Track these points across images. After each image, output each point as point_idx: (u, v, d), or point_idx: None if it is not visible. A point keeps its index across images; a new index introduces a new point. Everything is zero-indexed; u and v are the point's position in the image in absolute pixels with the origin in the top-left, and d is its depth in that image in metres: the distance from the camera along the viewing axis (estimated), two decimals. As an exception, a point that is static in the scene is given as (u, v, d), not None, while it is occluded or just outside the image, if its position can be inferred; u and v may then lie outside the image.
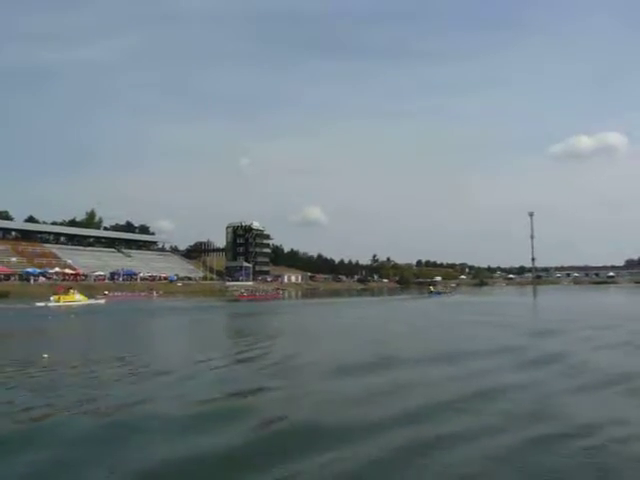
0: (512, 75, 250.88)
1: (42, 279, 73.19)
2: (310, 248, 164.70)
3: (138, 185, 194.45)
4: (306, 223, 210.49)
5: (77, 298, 47.13)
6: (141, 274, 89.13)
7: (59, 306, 42.70)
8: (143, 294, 69.45)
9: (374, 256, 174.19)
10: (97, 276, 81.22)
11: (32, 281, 69.23)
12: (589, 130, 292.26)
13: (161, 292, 74.42)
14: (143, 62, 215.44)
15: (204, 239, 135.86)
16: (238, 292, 70.94)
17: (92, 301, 49.82)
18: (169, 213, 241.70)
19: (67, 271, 78.84)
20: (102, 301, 51.93)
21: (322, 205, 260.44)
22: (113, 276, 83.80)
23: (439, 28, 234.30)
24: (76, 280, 75.87)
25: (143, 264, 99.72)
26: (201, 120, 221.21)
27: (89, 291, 69.20)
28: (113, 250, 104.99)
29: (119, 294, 64.58)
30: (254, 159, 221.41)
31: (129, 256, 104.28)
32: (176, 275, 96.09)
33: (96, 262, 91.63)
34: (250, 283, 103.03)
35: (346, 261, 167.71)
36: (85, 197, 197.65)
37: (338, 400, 9.89)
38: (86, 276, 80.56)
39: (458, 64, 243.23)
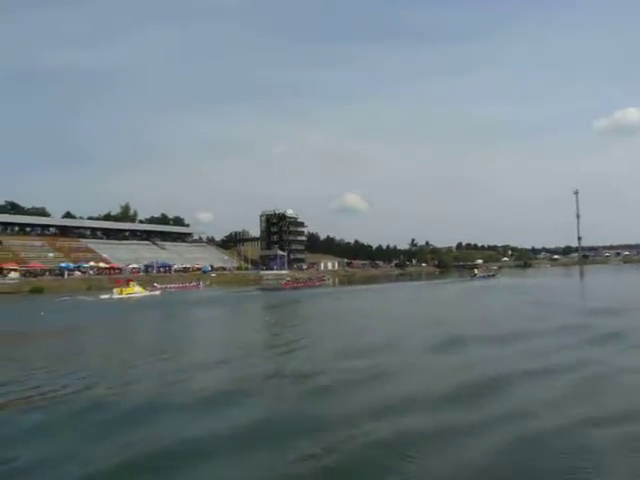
0: (549, 48, 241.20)
1: (77, 273, 73.81)
2: (349, 235, 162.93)
3: (174, 177, 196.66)
4: (345, 210, 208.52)
5: (136, 290, 50.04)
6: (175, 266, 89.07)
7: (121, 298, 45.69)
8: (192, 284, 70.63)
9: (412, 240, 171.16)
10: (131, 269, 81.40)
11: (66, 275, 69.75)
12: (636, 102, 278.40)
13: (208, 283, 75.23)
14: (172, 56, 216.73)
15: (240, 229, 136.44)
16: (283, 280, 72.09)
17: (149, 293, 52.37)
18: (209, 205, 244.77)
19: (101, 265, 79.27)
20: (158, 292, 54.43)
21: (360, 191, 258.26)
22: (147, 268, 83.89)
23: (477, 2, 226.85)
24: (110, 273, 76.38)
25: (177, 256, 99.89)
26: (234, 113, 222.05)
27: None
28: (148, 243, 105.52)
29: (170, 285, 65.86)
30: (290, 147, 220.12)
31: (164, 248, 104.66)
32: (211, 266, 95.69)
33: (131, 255, 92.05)
34: (285, 272, 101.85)
35: (384, 246, 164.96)
36: (121, 191, 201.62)
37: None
38: (121, 269, 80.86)
39: (493, 39, 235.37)
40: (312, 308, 34.98)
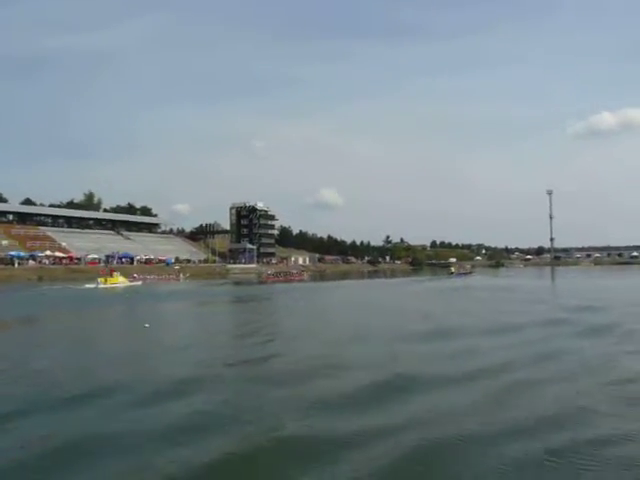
0: (527, 51, 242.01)
1: (31, 262, 70.49)
2: (326, 231, 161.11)
3: (151, 169, 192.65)
4: (320, 205, 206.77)
5: (120, 280, 51.56)
6: (138, 257, 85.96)
7: (106, 287, 46.48)
8: (171, 277, 70.60)
9: (387, 237, 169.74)
10: (91, 259, 78.33)
11: (16, 265, 66.29)
12: (611, 106, 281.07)
13: (188, 275, 74.72)
14: (151, 48, 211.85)
15: (211, 221, 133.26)
16: (265, 274, 73.74)
17: (130, 283, 53.64)
18: (187, 197, 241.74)
19: (58, 254, 75.87)
20: (139, 283, 56.01)
21: (337, 187, 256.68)
22: (108, 259, 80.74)
23: (450, 2, 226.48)
24: (67, 263, 73.25)
25: (142, 246, 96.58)
26: (218, 106, 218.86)
27: (79, 274, 66.89)
28: (113, 233, 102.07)
29: (151, 277, 66.14)
30: (271, 141, 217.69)
31: (129, 239, 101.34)
32: (176, 258, 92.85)
33: (93, 245, 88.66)
34: (253, 265, 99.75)
35: (358, 242, 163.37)
36: (90, 182, 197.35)
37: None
38: (79, 259, 77.74)
39: (470, 40, 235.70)
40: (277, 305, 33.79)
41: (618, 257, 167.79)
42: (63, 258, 75.07)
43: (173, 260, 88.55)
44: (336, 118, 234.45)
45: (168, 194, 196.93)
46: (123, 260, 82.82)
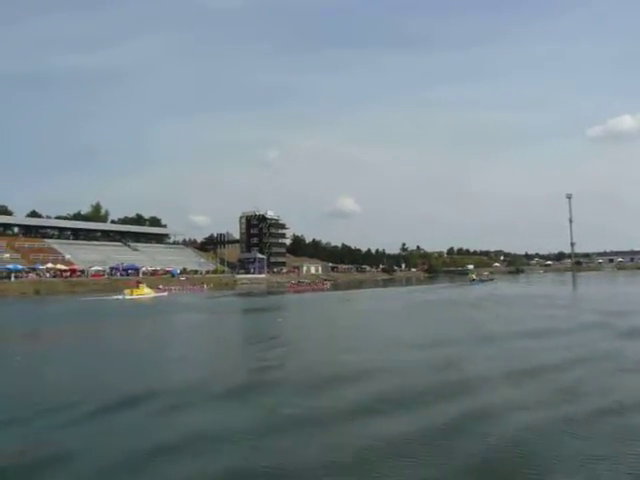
0: (540, 56, 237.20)
1: (31, 276, 68.44)
2: (343, 239, 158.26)
3: (165, 181, 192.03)
4: (338, 214, 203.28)
5: (146, 291, 51.80)
6: (143, 268, 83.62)
7: (132, 299, 46.81)
8: (195, 287, 70.94)
9: (403, 244, 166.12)
10: (94, 271, 76.17)
11: (13, 278, 64.09)
12: (631, 109, 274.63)
13: (212, 285, 75.83)
14: (159, 63, 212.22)
15: (223, 231, 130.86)
16: (289, 283, 75.78)
17: (157, 294, 53.81)
18: (203, 209, 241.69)
19: (59, 266, 73.78)
20: (165, 293, 56.41)
21: (354, 195, 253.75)
22: (112, 271, 78.58)
23: (461, 11, 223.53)
24: (69, 276, 71.17)
25: (149, 258, 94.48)
26: (231, 118, 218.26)
27: (80, 287, 64.88)
28: (120, 244, 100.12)
29: (175, 288, 66.29)
30: (285, 151, 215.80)
31: (136, 250, 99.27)
32: (183, 269, 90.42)
33: (98, 257, 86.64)
34: (262, 276, 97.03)
35: (373, 250, 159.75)
36: (100, 194, 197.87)
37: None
38: (83, 271, 75.63)
39: (484, 48, 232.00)
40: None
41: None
42: (64, 271, 72.84)
43: (179, 271, 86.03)
44: (347, 127, 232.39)
45: (185, 206, 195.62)
46: (129, 272, 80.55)
